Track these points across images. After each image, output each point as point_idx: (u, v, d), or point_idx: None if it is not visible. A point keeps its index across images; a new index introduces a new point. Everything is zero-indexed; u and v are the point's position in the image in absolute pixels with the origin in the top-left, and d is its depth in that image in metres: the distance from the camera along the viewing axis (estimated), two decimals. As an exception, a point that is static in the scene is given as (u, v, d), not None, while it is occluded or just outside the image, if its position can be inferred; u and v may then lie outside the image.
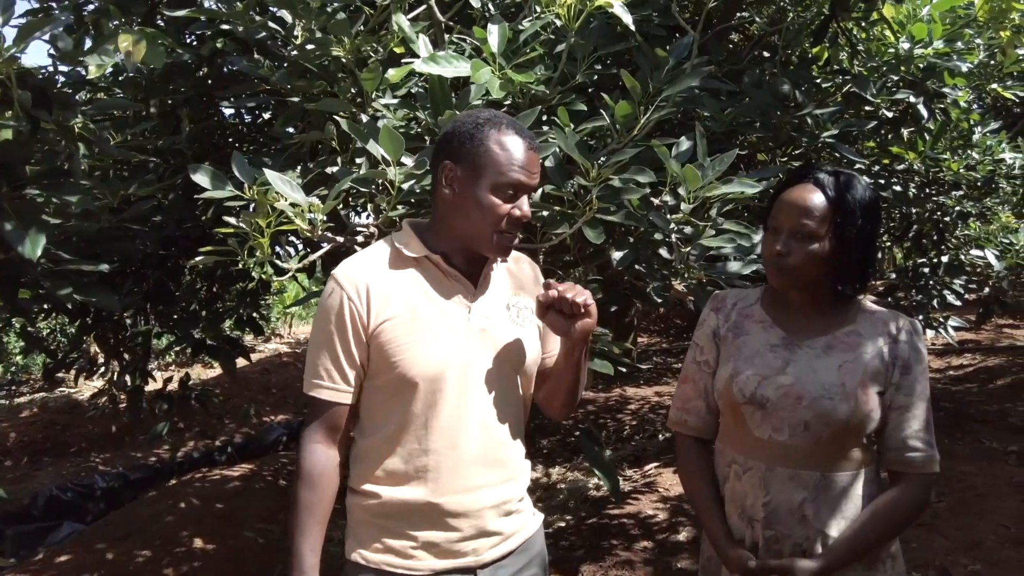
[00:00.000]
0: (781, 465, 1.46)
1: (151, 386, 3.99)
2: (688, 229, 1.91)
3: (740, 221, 1.89)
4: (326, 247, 1.77)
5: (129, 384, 4.18)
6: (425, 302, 1.43)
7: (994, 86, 3.95)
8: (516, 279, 1.58)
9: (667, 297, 2.02)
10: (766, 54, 3.17)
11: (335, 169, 1.81)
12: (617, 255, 1.93)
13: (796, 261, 1.46)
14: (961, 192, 4.53)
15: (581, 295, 1.41)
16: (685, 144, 1.92)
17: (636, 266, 2.05)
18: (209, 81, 2.93)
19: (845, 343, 1.49)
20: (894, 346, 1.49)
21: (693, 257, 1.99)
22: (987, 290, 4.94)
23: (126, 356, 3.93)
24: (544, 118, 2.07)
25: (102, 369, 4.51)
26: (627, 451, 5.56)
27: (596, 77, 2.13)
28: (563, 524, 4.19)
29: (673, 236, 1.89)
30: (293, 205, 1.60)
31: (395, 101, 1.87)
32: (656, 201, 1.97)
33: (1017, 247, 4.79)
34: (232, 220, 1.65)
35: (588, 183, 1.81)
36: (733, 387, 1.50)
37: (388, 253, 1.47)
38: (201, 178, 1.61)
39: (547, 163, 1.91)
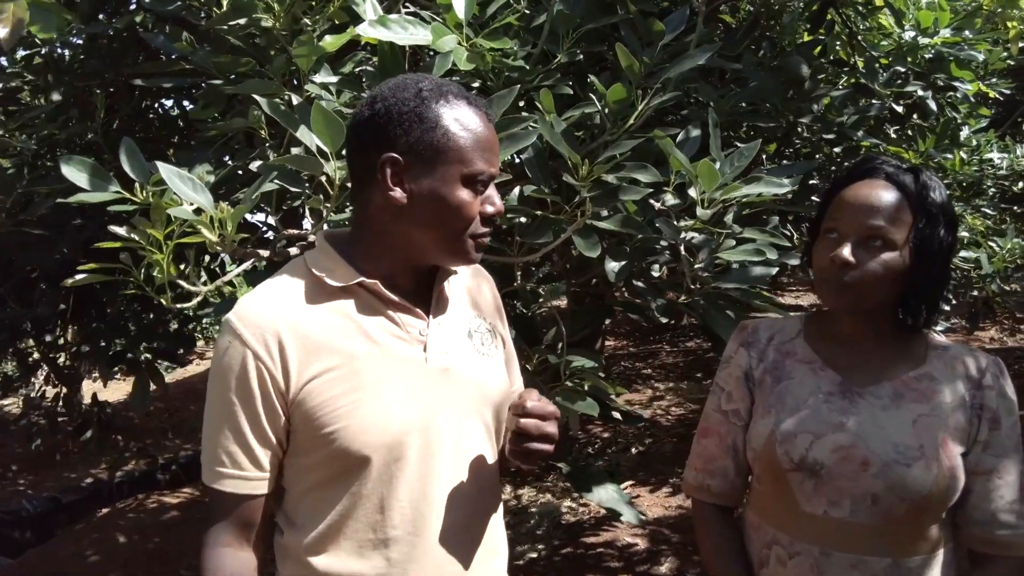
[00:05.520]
0: (841, 549, 1.12)
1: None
2: (698, 237, 1.57)
3: (762, 228, 1.56)
4: (245, 264, 1.39)
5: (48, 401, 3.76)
6: (365, 345, 1.07)
7: (980, 84, 3.74)
8: (473, 296, 1.23)
9: (671, 316, 1.68)
10: (761, 42, 2.87)
11: (258, 164, 1.42)
12: (614, 267, 1.58)
13: (866, 275, 1.12)
14: (949, 192, 4.31)
15: (551, 424, 1.06)
16: (692, 133, 1.58)
17: (633, 281, 1.70)
18: (129, 62, 2.53)
19: (917, 390, 1.16)
20: (978, 393, 1.16)
21: (700, 268, 1.65)
22: (975, 292, 4.73)
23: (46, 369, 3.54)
24: (521, 104, 1.71)
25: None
26: (600, 467, 5.23)
27: (581, 56, 1.78)
28: (535, 555, 3.84)
29: (682, 247, 1.54)
30: (198, 211, 1.22)
31: (334, 79, 1.48)
32: (657, 204, 1.62)
33: (1004, 250, 4.61)
34: (119, 230, 1.25)
35: (577, 182, 1.46)
36: (777, 448, 1.16)
37: (304, 283, 1.08)
38: (74, 174, 1.21)
39: (525, 156, 1.55)
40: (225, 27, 1.72)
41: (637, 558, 3.72)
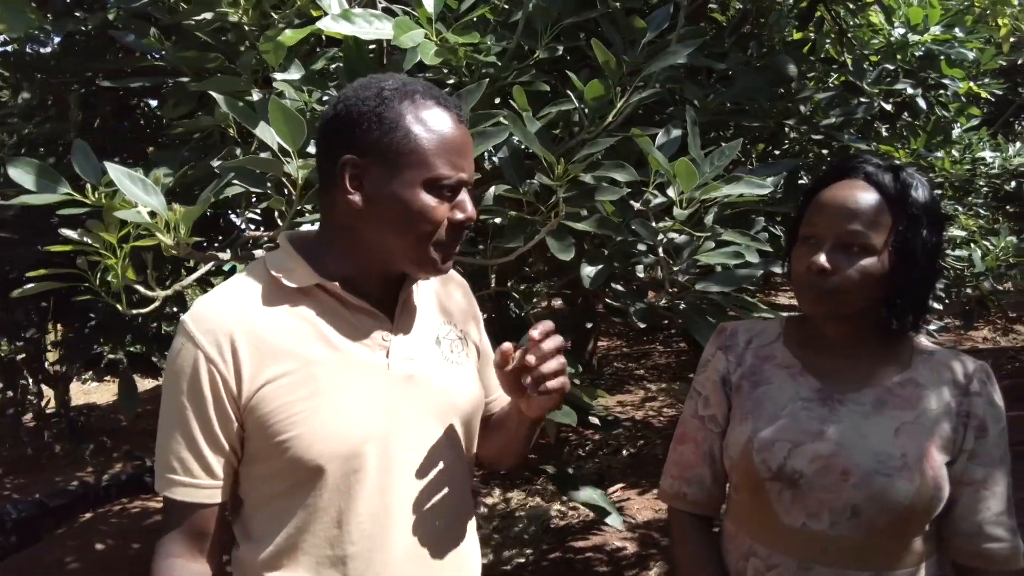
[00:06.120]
0: (820, 563, 1.08)
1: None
2: (679, 239, 1.52)
3: (743, 230, 1.51)
4: (204, 268, 1.34)
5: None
6: (324, 349, 1.02)
7: (970, 83, 3.71)
8: (443, 302, 1.18)
9: (651, 320, 1.63)
10: (749, 40, 2.82)
11: (217, 164, 1.37)
12: (589, 271, 1.53)
13: (844, 282, 1.07)
14: (940, 192, 4.30)
15: (557, 358, 1.01)
16: (673, 133, 1.53)
17: (612, 284, 1.66)
18: (109, 60, 2.48)
19: (901, 397, 1.12)
20: (964, 399, 1.11)
21: (680, 271, 1.61)
22: (968, 291, 4.69)
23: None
24: (497, 101, 1.67)
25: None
26: (590, 469, 5.18)
27: (564, 53, 1.73)
28: (523, 559, 3.79)
29: (660, 248, 1.49)
30: (152, 214, 1.17)
31: (296, 77, 1.43)
32: (636, 205, 1.58)
33: (997, 248, 4.58)
34: (71, 233, 1.20)
35: (552, 182, 1.41)
36: (754, 457, 1.11)
37: (262, 284, 1.04)
38: (20, 175, 1.16)
39: (500, 155, 1.51)
40: (192, 22, 1.67)
41: (626, 562, 3.67)
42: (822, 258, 1.07)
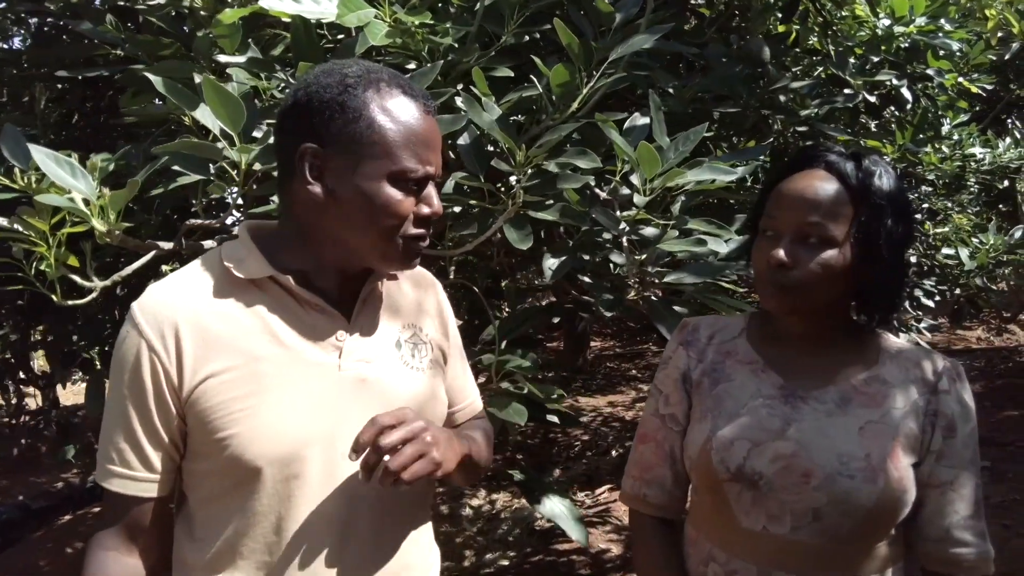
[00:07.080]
0: (781, 569, 1.02)
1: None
2: (646, 229, 1.47)
3: (709, 219, 1.45)
4: (144, 258, 1.28)
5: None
6: (271, 346, 0.97)
7: (960, 79, 3.66)
8: (406, 303, 1.12)
9: (620, 311, 1.58)
10: (731, 33, 2.77)
11: (154, 149, 1.31)
12: (551, 263, 1.47)
13: (805, 276, 1.02)
14: (930, 188, 4.26)
15: (408, 448, 0.92)
16: (640, 120, 1.48)
17: (579, 276, 1.60)
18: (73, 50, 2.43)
19: (866, 395, 1.06)
20: (932, 398, 1.06)
21: (649, 262, 1.55)
22: (958, 290, 4.64)
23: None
24: (459, 87, 1.61)
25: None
26: (578, 470, 5.12)
27: (528, 39, 1.68)
28: (506, 562, 3.73)
29: (625, 238, 1.44)
30: (87, 201, 1.11)
31: (242, 59, 1.37)
32: (602, 193, 1.52)
33: (987, 246, 4.54)
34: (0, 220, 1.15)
35: (513, 169, 1.36)
36: (713, 456, 1.06)
37: (213, 275, 0.99)
38: (-57, 159, 1.10)
39: (460, 142, 1.45)
40: (144, 7, 1.62)
41: (611, 564, 3.62)
42: (781, 252, 1.02)
